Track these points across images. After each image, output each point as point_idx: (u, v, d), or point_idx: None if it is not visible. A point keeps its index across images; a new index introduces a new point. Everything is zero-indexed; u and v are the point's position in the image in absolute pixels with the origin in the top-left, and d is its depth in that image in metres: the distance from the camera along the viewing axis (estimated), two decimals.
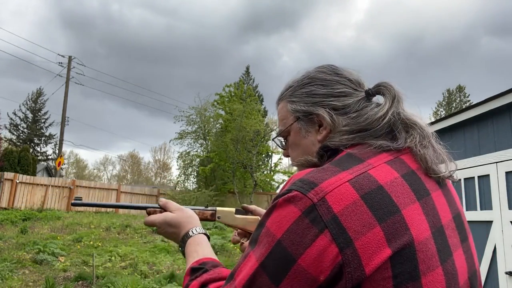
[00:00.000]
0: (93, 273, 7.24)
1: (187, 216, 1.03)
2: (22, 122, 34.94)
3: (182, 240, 0.97)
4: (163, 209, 1.07)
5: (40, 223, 12.43)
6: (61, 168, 26.03)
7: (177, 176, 24.93)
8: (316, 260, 0.60)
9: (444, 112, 41.39)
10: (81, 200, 1.12)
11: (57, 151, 29.20)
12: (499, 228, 3.81)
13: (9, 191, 14.97)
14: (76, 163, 53.29)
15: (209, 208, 1.16)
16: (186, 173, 24.19)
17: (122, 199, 18.99)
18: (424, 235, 0.65)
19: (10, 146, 26.10)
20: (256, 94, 30.60)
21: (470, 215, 4.18)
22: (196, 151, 24.33)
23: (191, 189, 22.42)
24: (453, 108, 40.09)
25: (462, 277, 0.69)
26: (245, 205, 1.22)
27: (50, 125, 35.66)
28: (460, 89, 42.02)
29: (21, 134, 34.56)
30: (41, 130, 35.27)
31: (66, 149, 56.56)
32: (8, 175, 15.13)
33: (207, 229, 12.48)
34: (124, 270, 8.07)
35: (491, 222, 3.93)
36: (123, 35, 78.51)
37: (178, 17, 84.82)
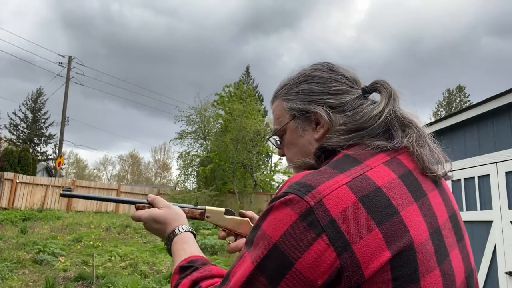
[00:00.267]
0: (93, 273, 7.24)
1: (174, 213, 1.01)
2: (22, 122, 34.95)
3: (168, 237, 0.96)
4: (151, 205, 1.06)
5: (40, 223, 12.43)
6: (61, 168, 26.04)
7: (177, 176, 24.94)
8: (313, 265, 0.60)
9: (444, 112, 41.39)
10: (70, 191, 1.11)
11: (57, 151, 29.23)
12: (499, 228, 3.81)
13: (9, 191, 14.97)
14: (76, 163, 53.31)
15: (198, 207, 1.15)
16: (186, 173, 24.18)
17: None
18: (422, 236, 0.65)
19: (10, 146, 26.11)
20: (256, 94, 30.61)
21: (470, 215, 4.18)
22: (196, 151, 24.34)
23: (191, 189, 22.42)
24: (453, 108, 40.09)
25: (459, 277, 0.69)
26: (242, 211, 1.20)
27: (50, 125, 35.70)
28: (460, 89, 42.02)
29: (21, 134, 34.56)
30: (41, 130, 35.28)
31: (66, 149, 56.58)
32: (8, 175, 15.13)
33: (207, 229, 12.49)
34: (124, 270, 8.07)
35: (491, 222, 3.93)
36: (123, 36, 78.59)
37: (178, 17, 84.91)
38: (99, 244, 10.14)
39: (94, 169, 55.85)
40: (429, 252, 0.64)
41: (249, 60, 76.94)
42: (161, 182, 50.62)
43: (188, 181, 24.29)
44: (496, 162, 3.89)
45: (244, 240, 1.13)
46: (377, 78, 0.86)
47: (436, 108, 42.78)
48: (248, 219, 1.16)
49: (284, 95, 0.90)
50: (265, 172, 25.99)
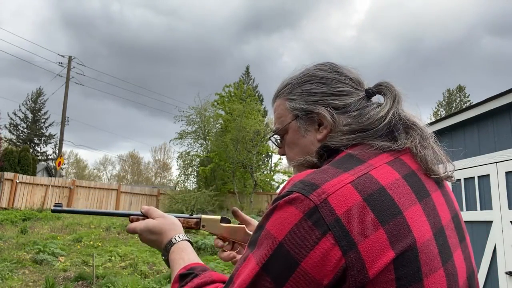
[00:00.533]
0: (93, 273, 7.24)
1: (169, 223, 0.99)
2: (22, 122, 34.95)
3: (165, 248, 0.94)
4: (145, 216, 1.03)
5: (40, 223, 12.43)
6: (61, 168, 26.05)
7: (177, 176, 24.93)
8: (319, 264, 0.59)
9: (444, 112, 41.40)
10: (61, 206, 1.09)
11: (57, 151, 29.24)
12: (499, 228, 3.81)
13: (9, 191, 14.97)
14: (76, 163, 53.29)
15: (193, 216, 1.12)
16: (186, 173, 24.18)
17: (122, 199, 19.01)
18: (426, 236, 0.65)
19: (10, 146, 26.12)
20: (256, 94, 30.63)
21: (470, 215, 4.19)
22: (196, 151, 24.34)
23: (191, 189, 22.41)
24: (453, 108, 40.10)
25: (461, 277, 0.69)
26: (235, 209, 1.17)
27: (50, 125, 35.70)
28: (460, 89, 42.02)
29: (21, 134, 34.56)
30: (41, 130, 35.28)
31: (66, 149, 56.53)
32: (8, 175, 15.14)
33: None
34: (124, 270, 8.07)
35: (491, 222, 3.93)
36: (123, 36, 78.55)
37: (179, 17, 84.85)
38: (99, 244, 10.14)
39: (94, 169, 55.87)
40: (433, 252, 0.64)
41: (249, 60, 77.00)
42: (161, 182, 50.62)
43: (188, 181, 24.31)
44: (496, 162, 3.89)
45: (233, 253, 1.12)
46: (381, 80, 0.86)
47: (436, 108, 42.81)
48: (244, 226, 1.14)
49: (286, 94, 0.89)
50: (265, 172, 25.99)
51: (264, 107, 30.32)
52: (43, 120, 35.75)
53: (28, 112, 35.42)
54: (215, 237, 1.16)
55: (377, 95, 0.86)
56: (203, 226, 1.12)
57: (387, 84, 0.84)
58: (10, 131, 34.03)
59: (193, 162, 24.24)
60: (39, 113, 35.80)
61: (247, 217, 1.17)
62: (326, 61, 0.90)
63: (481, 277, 3.94)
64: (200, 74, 75.43)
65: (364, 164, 0.70)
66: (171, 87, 70.30)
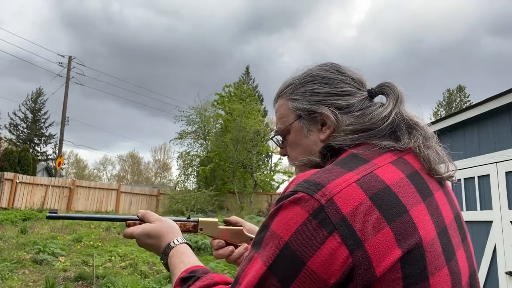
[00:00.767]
0: (93, 273, 7.24)
1: (167, 226, 0.97)
2: (22, 122, 34.96)
3: (163, 252, 0.92)
4: (142, 220, 1.02)
5: (40, 223, 12.43)
6: (61, 168, 26.05)
7: (177, 176, 24.94)
8: (326, 263, 0.59)
9: (444, 112, 41.41)
10: (56, 212, 1.07)
11: (57, 151, 29.24)
12: (499, 228, 3.81)
13: (9, 191, 14.97)
14: (76, 163, 53.28)
15: (191, 219, 1.11)
16: (186, 173, 24.19)
17: (122, 199, 19.01)
18: (430, 235, 0.65)
19: (10, 146, 26.11)
20: (256, 94, 30.63)
21: (470, 215, 4.19)
22: (196, 151, 24.35)
23: (191, 189, 22.41)
24: (453, 108, 40.11)
25: (464, 276, 0.70)
26: (227, 218, 1.16)
27: (50, 125, 35.71)
28: (460, 89, 42.03)
29: (21, 134, 34.56)
30: (41, 130, 35.29)
31: (66, 149, 56.53)
32: (8, 175, 15.14)
33: None
34: (124, 270, 8.08)
35: (491, 222, 3.93)
36: (124, 36, 78.52)
37: (179, 17, 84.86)
38: (99, 244, 10.14)
39: (94, 169, 55.86)
40: (437, 251, 0.65)
41: (250, 60, 76.94)
42: (161, 182, 50.61)
43: (188, 181, 24.32)
44: (496, 162, 3.90)
45: (231, 247, 1.11)
46: (383, 81, 0.86)
47: (436, 108, 42.81)
48: (242, 228, 1.13)
49: (289, 95, 0.89)
50: (265, 172, 25.99)
51: (264, 107, 30.34)
52: (43, 120, 35.76)
53: (28, 112, 35.43)
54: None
55: (380, 96, 0.86)
56: (201, 229, 1.11)
57: (390, 85, 0.84)
58: (10, 131, 34.06)
59: (193, 162, 24.25)
60: (39, 113, 35.80)
61: (240, 220, 1.16)
62: (329, 62, 0.90)
63: (481, 277, 3.94)
64: (200, 74, 75.49)
65: (368, 163, 0.70)
66: (171, 87, 70.33)
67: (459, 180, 4.40)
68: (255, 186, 22.04)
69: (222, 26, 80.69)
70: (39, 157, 32.82)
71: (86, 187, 17.94)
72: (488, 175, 4.01)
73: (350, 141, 0.77)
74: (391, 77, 0.86)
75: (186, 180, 24.10)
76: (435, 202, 0.71)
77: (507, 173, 3.79)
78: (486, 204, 4.03)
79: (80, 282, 7.15)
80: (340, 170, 0.68)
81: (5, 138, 30.33)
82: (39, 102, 36.05)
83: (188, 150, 24.19)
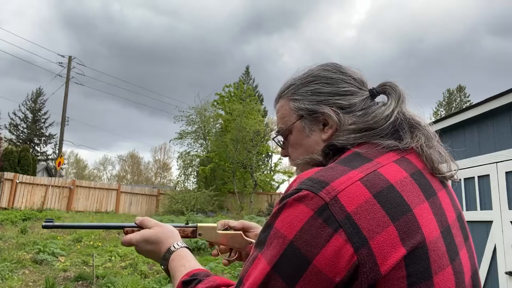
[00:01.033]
0: (93, 273, 7.25)
1: (166, 231, 0.96)
2: (22, 122, 34.95)
3: (163, 257, 0.91)
4: (140, 227, 1.01)
5: (40, 223, 12.39)
6: (61, 168, 26.05)
7: (177, 176, 24.97)
8: (331, 261, 0.59)
9: (444, 112, 41.41)
10: (52, 221, 1.05)
11: (57, 151, 29.22)
12: (499, 228, 3.81)
13: (9, 191, 14.97)
14: (76, 163, 53.28)
15: (189, 225, 1.11)
16: (186, 173, 24.20)
17: (122, 199, 19.00)
18: (434, 234, 0.65)
19: (10, 146, 26.08)
20: (256, 94, 30.63)
21: (470, 215, 4.19)
22: (196, 151, 24.36)
23: (191, 189, 22.42)
24: (453, 108, 40.11)
25: (467, 275, 0.70)
26: (224, 221, 1.15)
27: (50, 125, 35.68)
28: (460, 89, 42.04)
29: (21, 134, 34.55)
30: (41, 130, 35.27)
31: (66, 149, 56.51)
32: (8, 175, 15.13)
33: None
34: (124, 270, 8.08)
35: (491, 222, 3.93)
36: (124, 36, 78.46)
37: (179, 17, 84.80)
38: (99, 244, 10.14)
39: (94, 169, 55.85)
40: (441, 250, 0.65)
41: (250, 60, 76.91)
42: (161, 182, 50.62)
43: (188, 181, 24.34)
44: (496, 162, 3.89)
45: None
46: (385, 80, 0.86)
47: (436, 108, 42.82)
48: (241, 232, 1.12)
49: (290, 95, 0.89)
50: (265, 172, 25.99)
51: (264, 107, 30.34)
52: (43, 120, 35.75)
53: (28, 112, 35.41)
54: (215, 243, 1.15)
55: (381, 95, 0.86)
56: (200, 235, 1.11)
57: (391, 84, 0.84)
58: (10, 131, 34.04)
59: (193, 162, 24.26)
60: (39, 113, 35.79)
61: (233, 223, 1.15)
62: (330, 62, 0.90)
63: (481, 277, 3.94)
64: (200, 74, 75.44)
65: (372, 162, 0.70)
66: (171, 87, 70.28)
67: (459, 180, 4.40)
68: (255, 186, 22.04)
69: (222, 26, 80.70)
70: (39, 157, 32.82)
71: (86, 187, 17.93)
72: (488, 175, 4.01)
73: (353, 140, 0.77)
74: (391, 77, 0.86)
75: (186, 180, 24.13)
76: (438, 202, 0.71)
77: (507, 173, 3.79)
78: (486, 204, 4.03)
79: (80, 282, 7.15)
80: (344, 168, 0.67)
81: (5, 138, 30.33)
82: (39, 102, 36.04)
83: (188, 150, 24.22)
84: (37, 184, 16.03)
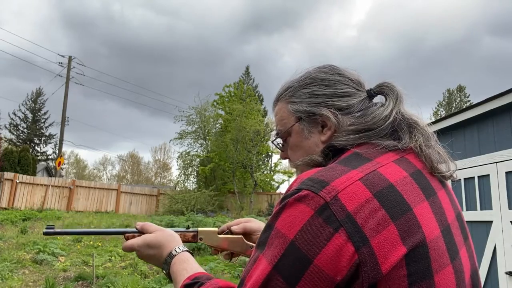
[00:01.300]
0: (93, 273, 7.25)
1: (167, 235, 0.97)
2: (22, 122, 34.94)
3: (165, 261, 0.91)
4: (141, 232, 1.01)
5: (40, 223, 12.43)
6: (61, 168, 26.05)
7: (177, 176, 24.98)
8: (332, 260, 0.59)
9: (444, 112, 41.41)
10: (53, 228, 1.05)
11: (57, 151, 29.22)
12: (499, 228, 3.81)
13: (9, 191, 14.97)
14: (76, 163, 53.29)
15: (190, 229, 1.10)
16: (186, 173, 24.21)
17: (122, 199, 19.00)
18: (434, 233, 0.65)
19: (10, 146, 26.09)
20: (256, 94, 30.63)
21: (470, 215, 4.19)
22: (196, 151, 24.37)
23: (191, 189, 22.42)
24: (453, 108, 40.11)
25: (466, 274, 0.70)
26: (226, 225, 1.14)
27: (50, 125, 35.68)
28: (460, 89, 42.05)
29: (21, 134, 34.55)
30: (41, 130, 35.27)
31: (66, 149, 56.55)
32: (8, 175, 15.14)
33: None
34: (124, 270, 8.08)
35: (491, 222, 3.93)
36: (124, 35, 78.46)
37: (179, 17, 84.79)
38: (99, 244, 10.14)
39: (94, 169, 55.86)
40: (441, 249, 0.65)
41: (250, 59, 76.82)
42: (161, 182, 50.62)
43: (188, 181, 24.35)
44: (496, 162, 3.89)
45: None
46: (382, 81, 0.87)
47: (436, 108, 42.82)
48: (241, 236, 1.12)
49: (288, 97, 0.89)
50: (265, 172, 26.00)
51: (264, 107, 30.35)
52: (43, 120, 35.75)
53: (28, 112, 35.41)
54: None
55: (379, 96, 0.87)
56: (201, 239, 1.11)
57: (389, 84, 0.85)
58: (10, 131, 34.04)
59: (193, 162, 24.27)
60: (39, 113, 35.79)
61: (245, 225, 1.14)
62: (327, 64, 0.91)
63: (481, 277, 3.94)
64: (200, 74, 75.44)
65: (371, 162, 0.70)
66: (171, 87, 70.32)
67: (459, 180, 4.40)
68: (255, 186, 22.05)
69: (223, 26, 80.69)
70: (39, 157, 32.81)
71: (86, 187, 17.94)
72: (488, 175, 4.01)
73: (352, 141, 0.77)
74: (392, 77, 0.86)
75: (186, 180, 24.15)
76: (438, 201, 0.72)
77: (507, 173, 3.79)
78: (486, 204, 4.03)
79: (80, 282, 7.15)
80: (344, 168, 0.68)
81: (5, 138, 30.33)
82: (39, 102, 36.04)
83: (188, 150, 24.24)
84: (37, 184, 16.04)
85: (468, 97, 41.47)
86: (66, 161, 44.23)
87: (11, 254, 8.40)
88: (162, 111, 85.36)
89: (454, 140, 4.54)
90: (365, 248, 0.59)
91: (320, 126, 0.85)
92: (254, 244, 1.09)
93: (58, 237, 10.42)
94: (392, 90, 0.83)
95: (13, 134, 34.25)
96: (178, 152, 33.33)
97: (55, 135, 34.93)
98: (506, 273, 3.65)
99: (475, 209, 4.17)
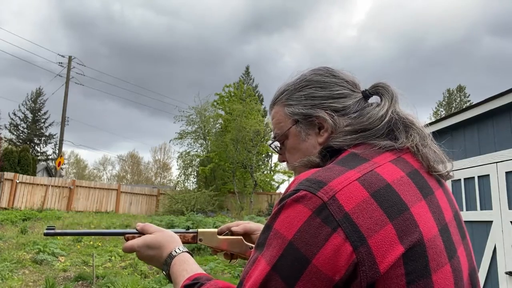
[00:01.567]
0: (93, 273, 7.25)
1: (167, 235, 0.97)
2: (22, 122, 34.94)
3: (165, 262, 0.92)
4: (141, 233, 1.01)
5: (40, 223, 12.43)
6: (61, 168, 26.05)
7: (177, 176, 24.98)
8: (330, 260, 0.60)
9: (444, 112, 41.42)
10: (53, 229, 1.05)
11: (57, 151, 29.22)
12: (499, 228, 3.81)
13: (9, 191, 14.97)
14: (76, 163, 53.28)
15: (190, 230, 1.11)
16: (186, 173, 24.22)
17: (122, 199, 19.00)
18: (432, 232, 0.66)
19: (10, 146, 26.08)
20: (256, 94, 30.64)
21: (470, 215, 4.19)
22: (196, 151, 24.37)
23: (191, 189, 22.42)
24: (453, 108, 40.11)
25: (464, 273, 0.71)
26: (225, 226, 1.14)
27: (50, 125, 35.68)
28: (460, 89, 42.05)
29: (21, 134, 34.55)
30: (41, 130, 35.27)
31: (66, 149, 56.56)
32: (8, 175, 15.14)
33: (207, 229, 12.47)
34: (124, 270, 8.08)
35: (491, 222, 3.93)
36: (124, 35, 78.42)
37: (180, 17, 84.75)
38: (99, 244, 10.14)
39: (94, 169, 55.85)
40: (439, 248, 0.65)
41: (250, 59, 76.74)
42: (161, 182, 50.61)
43: (188, 181, 24.35)
44: (496, 162, 3.90)
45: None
46: (377, 81, 0.87)
47: (436, 108, 42.82)
48: (241, 237, 1.13)
49: (285, 101, 0.90)
50: (265, 172, 26.00)
51: (264, 107, 30.34)
52: (43, 120, 35.75)
53: (28, 112, 35.41)
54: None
55: (374, 96, 0.87)
56: (200, 240, 1.11)
57: (383, 85, 0.86)
58: (10, 131, 34.03)
59: (193, 162, 24.27)
60: (39, 113, 35.78)
61: (245, 226, 1.15)
62: (322, 66, 0.92)
63: (481, 277, 3.94)
64: (200, 74, 75.40)
65: (369, 162, 0.71)
66: (171, 87, 70.30)
67: (459, 180, 4.40)
68: (255, 186, 22.05)
69: (223, 26, 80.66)
70: (39, 157, 32.81)
71: (86, 187, 17.93)
72: (488, 175, 4.01)
73: (350, 141, 0.78)
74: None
75: (186, 180, 24.15)
76: (435, 200, 0.72)
77: (507, 173, 3.79)
78: (486, 204, 4.03)
79: (80, 282, 7.15)
80: (341, 169, 0.68)
81: (5, 138, 30.32)
82: (39, 102, 36.04)
83: (188, 150, 24.24)
84: (37, 184, 16.04)
85: (468, 97, 41.48)
86: (66, 161, 44.23)
87: (11, 254, 8.40)
88: (162, 111, 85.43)
89: (454, 140, 4.54)
90: (363, 247, 0.59)
91: (317, 128, 0.85)
92: (253, 245, 1.09)
93: (58, 237, 10.42)
94: (387, 90, 0.84)
95: (13, 134, 34.25)
96: (178, 152, 33.42)
97: (55, 135, 34.95)
98: (506, 273, 3.65)
99: (475, 209, 4.17)
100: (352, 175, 0.66)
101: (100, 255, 8.92)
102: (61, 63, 25.21)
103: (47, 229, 1.05)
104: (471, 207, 4.25)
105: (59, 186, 16.74)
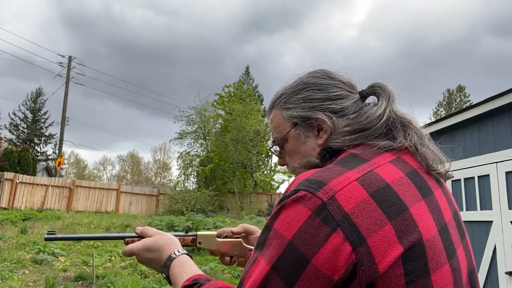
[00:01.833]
0: (93, 273, 7.25)
1: (166, 238, 0.98)
2: (22, 122, 34.95)
3: (165, 264, 0.92)
4: (141, 236, 1.01)
5: (40, 223, 12.43)
6: (61, 168, 26.05)
7: (177, 176, 24.99)
8: (330, 260, 0.60)
9: (444, 112, 41.42)
10: (54, 234, 1.05)
11: (57, 151, 29.22)
12: (499, 228, 3.81)
13: (9, 191, 14.97)
14: (76, 163, 53.28)
15: (189, 233, 1.12)
16: (186, 173, 24.23)
17: (122, 199, 19.01)
18: (431, 232, 0.66)
19: (10, 146, 26.08)
20: (256, 94, 30.66)
21: (470, 215, 4.19)
22: (196, 151, 24.39)
23: (191, 189, 22.43)
24: (453, 108, 40.11)
25: (464, 273, 0.71)
26: (224, 229, 1.15)
27: (50, 125, 35.69)
28: (460, 89, 42.05)
29: (21, 134, 34.55)
30: (41, 130, 35.27)
31: (66, 149, 56.57)
32: (8, 175, 15.14)
33: (207, 229, 12.47)
34: (124, 270, 8.08)
35: (491, 222, 3.93)
36: (124, 35, 78.40)
37: (180, 17, 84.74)
38: (99, 244, 10.14)
39: (94, 169, 55.84)
40: (438, 248, 0.65)
41: (250, 60, 76.72)
42: (161, 182, 50.61)
43: (188, 181, 24.37)
44: (496, 162, 3.89)
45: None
46: (374, 81, 0.88)
47: (436, 108, 42.83)
48: (241, 239, 1.13)
49: (283, 104, 0.91)
50: (265, 172, 26.00)
51: (264, 107, 30.34)
52: (43, 120, 35.75)
53: (28, 112, 35.41)
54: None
55: (371, 96, 0.88)
56: (199, 243, 1.12)
57: (380, 85, 0.86)
58: (10, 131, 34.04)
59: (193, 162, 24.28)
60: (39, 113, 35.78)
61: (243, 228, 1.15)
62: (318, 68, 0.92)
63: (481, 277, 3.94)
64: (200, 74, 75.37)
65: (368, 162, 0.71)
66: (171, 87, 70.29)
67: (459, 180, 4.40)
68: (255, 186, 22.06)
69: (223, 26, 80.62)
70: (39, 157, 32.81)
71: (86, 187, 17.94)
72: (488, 175, 4.01)
73: (349, 142, 0.78)
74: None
75: (186, 180, 24.16)
76: (435, 200, 0.72)
77: (507, 173, 3.78)
78: (486, 204, 4.03)
79: (80, 282, 7.15)
80: (341, 169, 0.69)
81: (5, 138, 30.32)
82: (39, 102, 36.04)
83: (188, 150, 24.26)
84: (37, 184, 16.04)
85: (468, 97, 41.48)
86: (66, 161, 44.21)
87: (11, 254, 8.40)
88: (162, 111, 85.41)
89: (454, 140, 4.54)
90: (362, 247, 0.60)
91: (316, 130, 0.86)
92: (252, 247, 1.09)
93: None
94: (384, 90, 0.85)
95: (13, 134, 34.25)
96: (178, 152, 33.43)
97: (55, 135, 34.95)
98: (506, 273, 3.65)
99: (475, 209, 4.17)
100: (352, 175, 0.66)
101: (100, 255, 8.92)
102: (61, 63, 25.23)
103: (48, 234, 1.05)
104: (471, 207, 4.25)
105: (59, 186, 16.75)
